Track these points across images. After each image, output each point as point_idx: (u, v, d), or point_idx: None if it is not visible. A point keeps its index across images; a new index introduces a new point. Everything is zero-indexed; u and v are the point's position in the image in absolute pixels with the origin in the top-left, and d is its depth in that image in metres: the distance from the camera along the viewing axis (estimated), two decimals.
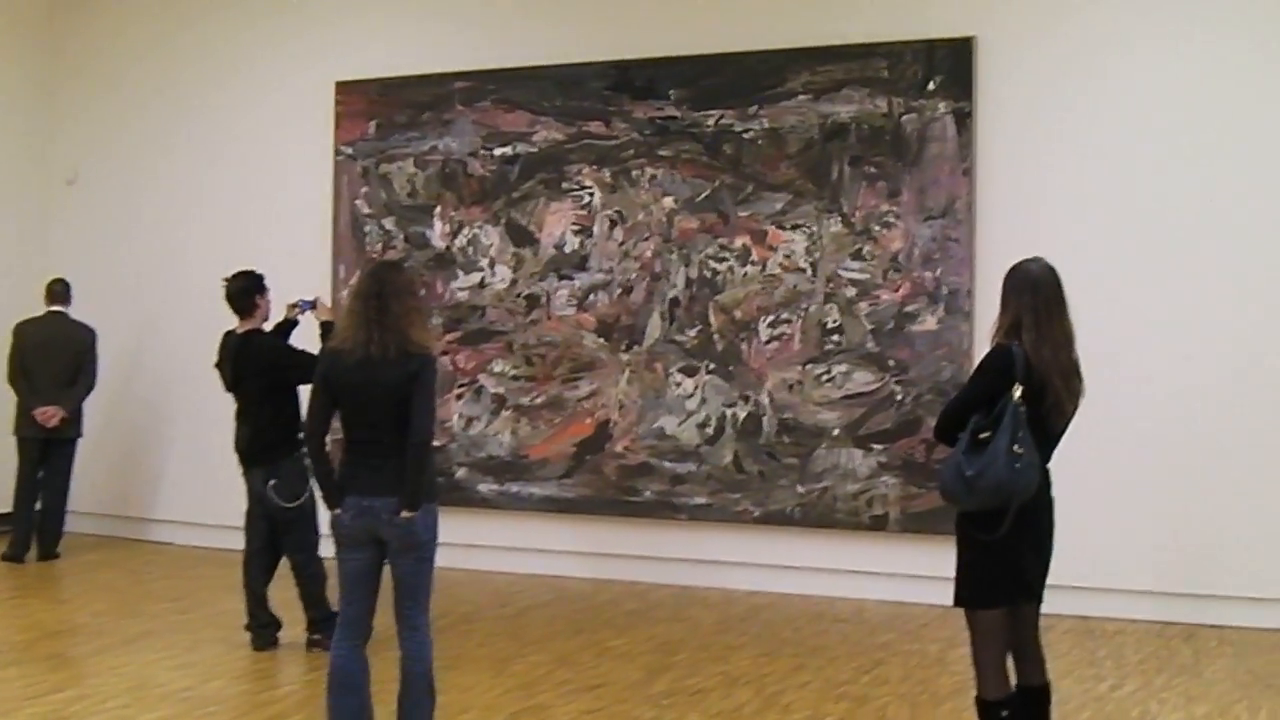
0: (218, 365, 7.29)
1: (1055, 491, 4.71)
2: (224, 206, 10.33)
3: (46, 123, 11.10)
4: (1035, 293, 4.59)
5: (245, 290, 7.17)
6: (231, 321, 7.23)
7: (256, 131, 10.25)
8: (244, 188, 10.26)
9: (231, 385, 7.23)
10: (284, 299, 7.29)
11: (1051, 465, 4.68)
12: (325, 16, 10.08)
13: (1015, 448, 4.37)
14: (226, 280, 7.20)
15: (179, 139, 10.54)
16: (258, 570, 7.26)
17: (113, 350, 10.21)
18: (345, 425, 5.19)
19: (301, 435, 6.36)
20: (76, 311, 9.97)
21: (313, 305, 7.13)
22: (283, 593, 7.27)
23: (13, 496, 9.77)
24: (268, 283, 7.24)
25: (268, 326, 7.26)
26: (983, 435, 4.46)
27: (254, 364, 7.07)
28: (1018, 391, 4.45)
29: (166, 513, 10.52)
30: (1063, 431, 4.68)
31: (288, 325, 7.30)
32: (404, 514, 5.03)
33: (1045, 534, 4.68)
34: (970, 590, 4.64)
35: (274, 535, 7.17)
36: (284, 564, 7.23)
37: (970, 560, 4.63)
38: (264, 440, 7.03)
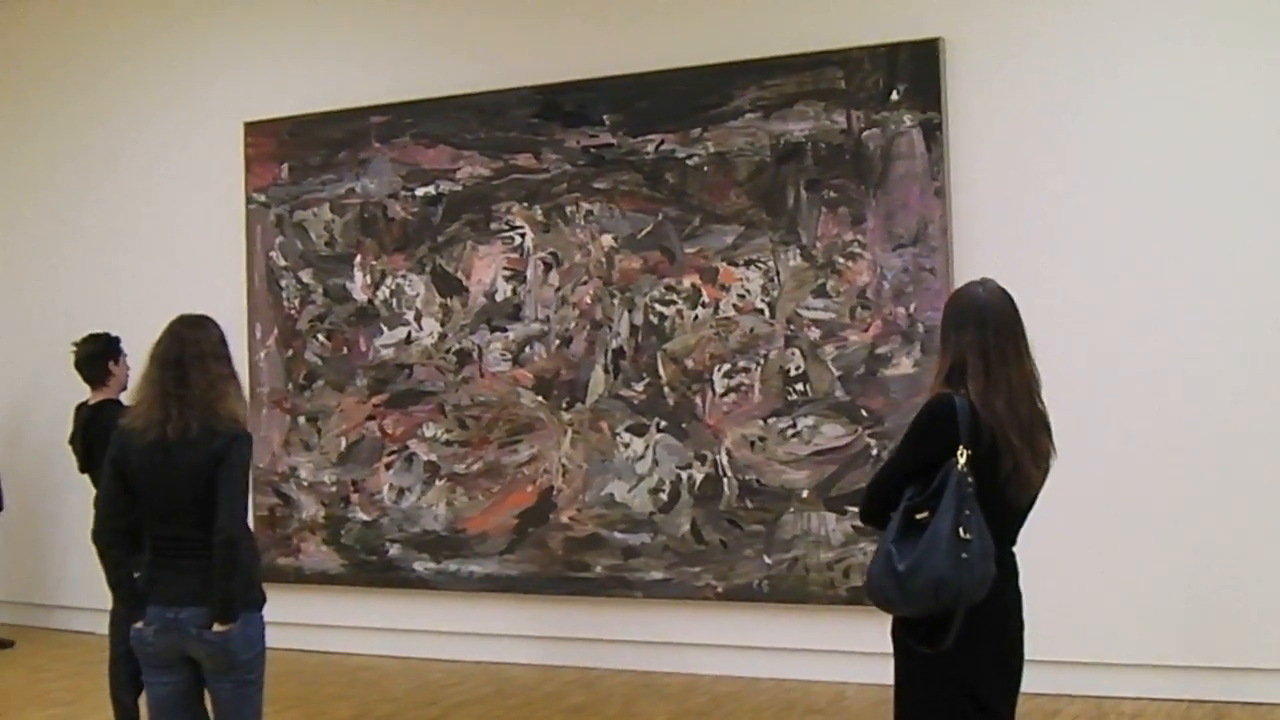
0: (71, 442, 6.37)
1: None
2: (132, 266, 9.40)
3: None
4: (982, 327, 3.50)
5: (96, 356, 6.26)
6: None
7: (164, 184, 9.33)
8: (153, 244, 9.35)
9: (85, 465, 6.29)
10: None
11: (1019, 549, 3.63)
12: (229, 54, 9.17)
13: (961, 532, 3.28)
14: (75, 345, 6.28)
15: (86, 197, 9.66)
16: (126, 678, 6.28)
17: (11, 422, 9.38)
18: (145, 520, 4.24)
19: None
20: None
21: None
22: None
23: None
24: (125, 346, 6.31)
25: (126, 397, 6.30)
26: (919, 516, 3.38)
27: (106, 440, 6.10)
28: (963, 457, 3.37)
29: (89, 600, 9.46)
30: (1029, 506, 3.59)
31: None
32: (216, 627, 4.07)
33: (1011, 642, 3.59)
34: (912, 718, 3.54)
35: None
36: None
37: (910, 680, 3.53)
38: None
